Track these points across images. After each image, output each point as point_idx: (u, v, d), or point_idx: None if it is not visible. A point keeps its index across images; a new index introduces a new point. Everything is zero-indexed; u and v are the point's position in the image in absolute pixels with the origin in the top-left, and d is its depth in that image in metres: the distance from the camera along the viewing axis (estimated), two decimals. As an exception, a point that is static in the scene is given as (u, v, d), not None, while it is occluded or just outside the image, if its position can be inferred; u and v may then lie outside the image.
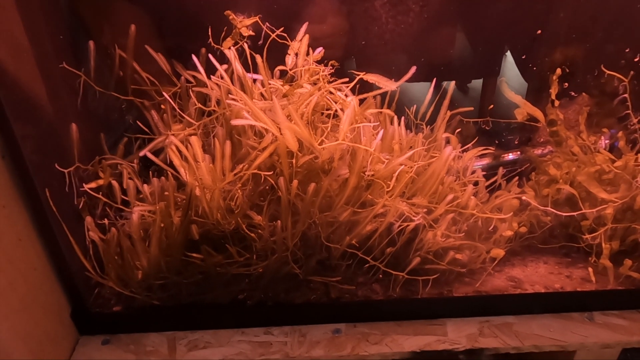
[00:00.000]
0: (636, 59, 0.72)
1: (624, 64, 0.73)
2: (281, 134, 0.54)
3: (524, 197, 0.73)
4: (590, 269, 0.71)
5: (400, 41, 0.85)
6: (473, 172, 0.76)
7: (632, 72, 0.64)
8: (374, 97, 0.71)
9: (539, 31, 0.76)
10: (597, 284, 0.71)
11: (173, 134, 0.59)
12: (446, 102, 0.73)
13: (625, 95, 0.65)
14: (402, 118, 0.74)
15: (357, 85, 0.67)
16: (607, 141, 0.77)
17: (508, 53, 0.94)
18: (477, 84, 1.06)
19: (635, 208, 0.68)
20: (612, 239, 0.70)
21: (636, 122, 0.67)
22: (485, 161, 0.86)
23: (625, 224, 0.69)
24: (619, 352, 0.68)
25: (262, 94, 0.65)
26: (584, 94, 0.76)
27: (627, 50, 0.73)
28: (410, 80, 0.74)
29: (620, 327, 0.68)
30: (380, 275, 0.69)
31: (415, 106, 0.74)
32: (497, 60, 0.99)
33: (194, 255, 0.64)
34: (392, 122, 0.70)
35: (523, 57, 0.85)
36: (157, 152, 0.66)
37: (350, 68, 0.65)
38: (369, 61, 0.88)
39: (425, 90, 0.76)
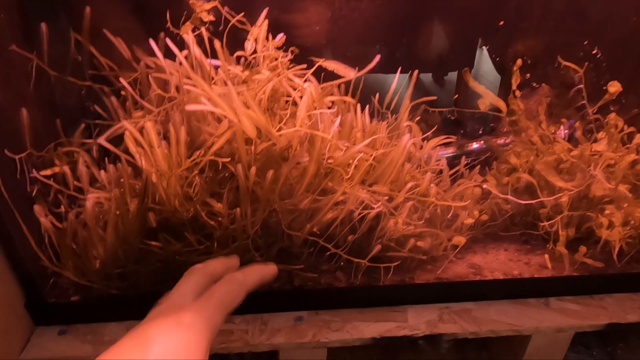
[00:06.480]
0: (594, 52, 0.74)
1: (582, 55, 0.74)
2: (238, 120, 0.54)
3: (485, 186, 0.74)
4: (546, 256, 0.73)
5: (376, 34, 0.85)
6: (438, 161, 0.77)
7: (587, 63, 0.65)
8: (338, 86, 0.71)
9: (502, 22, 0.77)
10: (554, 270, 0.73)
11: (127, 121, 0.57)
12: (409, 92, 0.73)
13: (581, 86, 0.66)
14: (367, 107, 0.75)
15: (323, 74, 0.66)
16: (566, 131, 0.79)
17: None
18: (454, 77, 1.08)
19: (590, 196, 0.70)
20: (568, 227, 0.72)
21: (591, 113, 0.68)
22: (451, 150, 0.87)
23: (580, 212, 0.71)
24: (572, 336, 0.70)
25: (225, 81, 0.64)
26: (544, 84, 0.78)
27: (585, 43, 0.74)
28: (388, 73, 0.74)
29: (573, 312, 0.70)
30: (342, 263, 0.70)
31: (377, 94, 0.74)
32: (470, 53, 1.00)
33: (153, 243, 0.63)
34: (354, 111, 0.70)
35: (487, 47, 0.86)
36: (120, 140, 0.64)
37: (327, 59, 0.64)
38: (345, 52, 0.88)
39: (403, 82, 0.76)
